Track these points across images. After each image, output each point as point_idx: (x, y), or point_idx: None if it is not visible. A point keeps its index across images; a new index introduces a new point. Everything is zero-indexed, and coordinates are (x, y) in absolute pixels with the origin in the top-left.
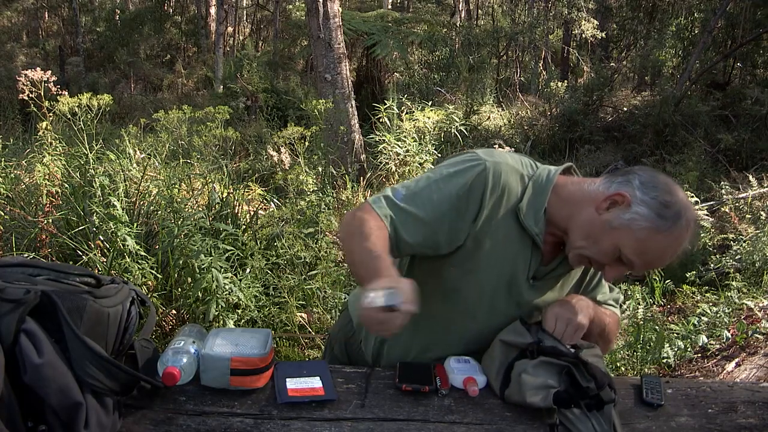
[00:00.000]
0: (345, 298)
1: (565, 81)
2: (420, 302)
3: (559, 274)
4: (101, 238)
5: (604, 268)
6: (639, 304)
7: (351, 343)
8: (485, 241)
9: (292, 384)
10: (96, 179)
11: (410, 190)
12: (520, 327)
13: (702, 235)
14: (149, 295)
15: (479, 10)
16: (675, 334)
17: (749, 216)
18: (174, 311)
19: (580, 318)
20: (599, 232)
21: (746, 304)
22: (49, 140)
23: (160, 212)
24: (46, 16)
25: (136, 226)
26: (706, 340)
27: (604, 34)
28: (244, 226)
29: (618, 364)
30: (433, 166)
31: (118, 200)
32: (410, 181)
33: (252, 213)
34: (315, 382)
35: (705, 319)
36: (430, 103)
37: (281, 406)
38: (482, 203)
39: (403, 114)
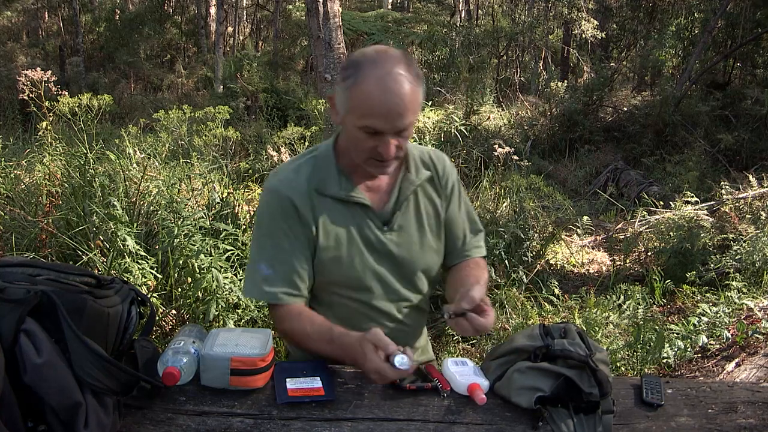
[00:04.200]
0: None
1: (565, 81)
2: (336, 307)
3: (404, 201)
4: (101, 238)
5: (381, 149)
6: (639, 304)
7: None
8: (320, 234)
9: (292, 384)
10: (96, 179)
11: (261, 258)
12: (535, 332)
13: (702, 235)
14: (149, 295)
15: (479, 10)
16: (675, 334)
17: (749, 216)
18: (174, 311)
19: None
20: (348, 131)
21: (746, 304)
22: (49, 140)
23: (160, 212)
24: (46, 16)
25: (136, 226)
26: (706, 340)
27: (604, 34)
28: (244, 226)
29: (618, 364)
30: None
31: (118, 200)
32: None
33: (252, 213)
34: (315, 382)
35: (705, 319)
36: (430, 103)
37: (281, 406)
38: (291, 218)
39: None
